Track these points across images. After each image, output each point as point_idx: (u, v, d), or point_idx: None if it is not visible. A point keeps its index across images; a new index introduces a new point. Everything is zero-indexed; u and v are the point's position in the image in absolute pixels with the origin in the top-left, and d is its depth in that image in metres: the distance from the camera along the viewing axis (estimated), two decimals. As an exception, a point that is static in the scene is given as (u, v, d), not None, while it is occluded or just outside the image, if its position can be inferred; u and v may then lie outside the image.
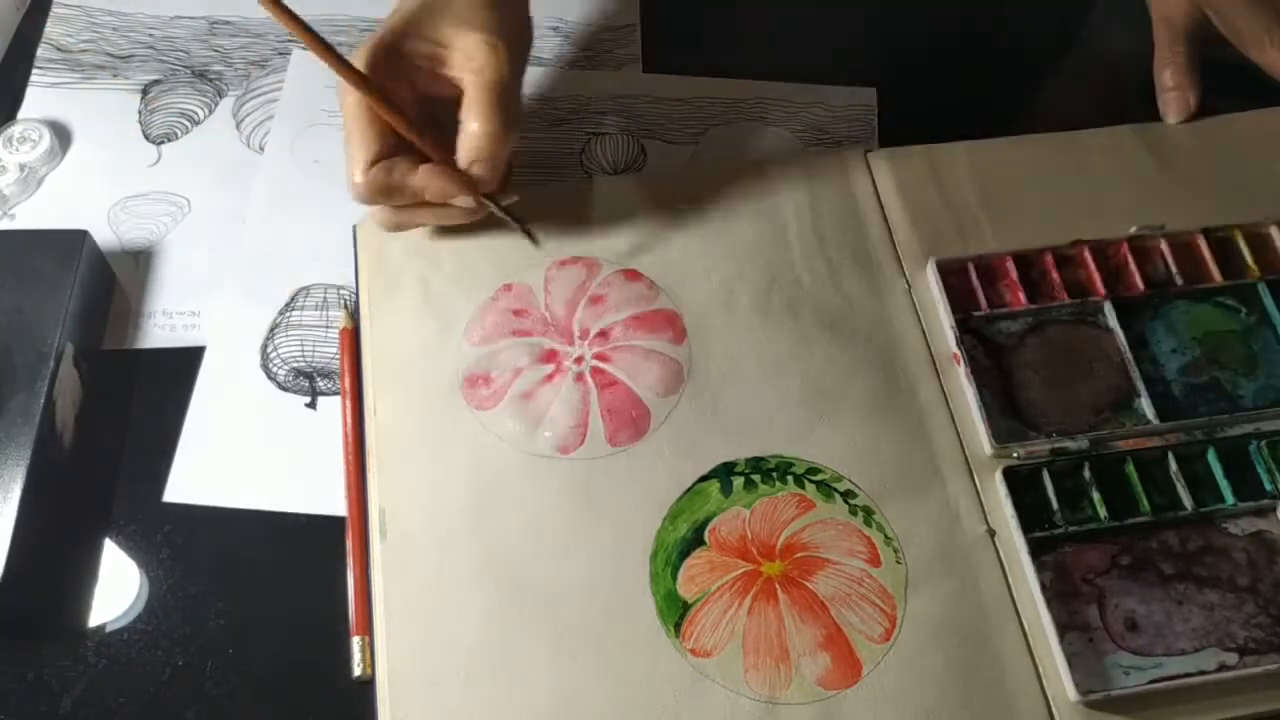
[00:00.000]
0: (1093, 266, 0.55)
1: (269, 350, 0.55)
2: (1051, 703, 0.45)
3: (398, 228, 0.54)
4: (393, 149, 0.49)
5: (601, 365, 0.53)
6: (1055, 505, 0.50)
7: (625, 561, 0.48)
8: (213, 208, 0.60)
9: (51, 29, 0.66)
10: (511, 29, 0.53)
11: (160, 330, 0.56)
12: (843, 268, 0.56)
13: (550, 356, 0.53)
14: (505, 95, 0.50)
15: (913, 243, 0.56)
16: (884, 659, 0.46)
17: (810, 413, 0.51)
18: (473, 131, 0.50)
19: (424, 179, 0.50)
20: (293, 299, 0.57)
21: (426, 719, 0.44)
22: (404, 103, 0.50)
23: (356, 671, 0.46)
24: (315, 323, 0.56)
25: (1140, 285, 0.55)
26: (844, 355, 0.53)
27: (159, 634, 0.48)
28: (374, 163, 0.49)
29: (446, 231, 0.55)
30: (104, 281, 0.56)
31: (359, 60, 0.48)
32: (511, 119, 0.51)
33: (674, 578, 0.47)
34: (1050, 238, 0.56)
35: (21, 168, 0.59)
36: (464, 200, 0.51)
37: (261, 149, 0.62)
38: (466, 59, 0.50)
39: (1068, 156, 0.59)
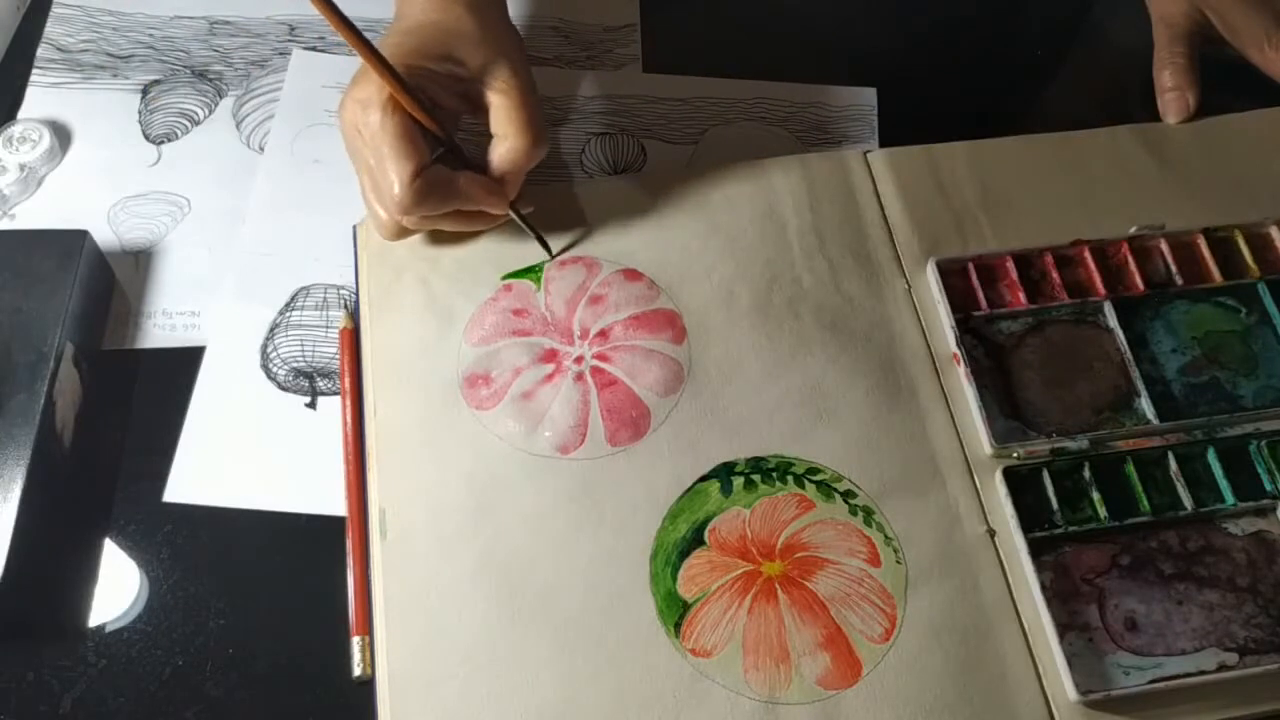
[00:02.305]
0: (1093, 266, 0.55)
1: (269, 350, 0.55)
2: (1051, 702, 0.45)
3: (403, 236, 0.54)
4: (427, 162, 0.50)
5: (601, 365, 0.53)
6: (1055, 505, 0.50)
7: (625, 561, 0.48)
8: (213, 208, 0.60)
9: (51, 29, 0.66)
10: (520, 47, 0.55)
11: (160, 330, 0.56)
12: (843, 268, 0.56)
13: (550, 356, 0.53)
14: (535, 110, 0.52)
15: (913, 243, 0.56)
16: (884, 659, 0.46)
17: (810, 412, 0.51)
18: (508, 145, 0.52)
19: (467, 187, 0.51)
20: (293, 299, 0.57)
21: (426, 719, 0.44)
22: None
23: (356, 671, 0.46)
24: (315, 323, 0.56)
25: (1140, 285, 0.55)
26: (844, 355, 0.53)
27: (159, 634, 0.48)
28: (418, 174, 0.49)
29: (444, 234, 0.55)
30: (104, 281, 0.56)
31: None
32: (542, 132, 0.52)
33: (674, 578, 0.47)
34: (1050, 238, 0.56)
35: (21, 168, 0.59)
36: (497, 208, 0.52)
37: (261, 149, 0.62)
38: (491, 78, 0.52)
39: (1068, 156, 0.59)
